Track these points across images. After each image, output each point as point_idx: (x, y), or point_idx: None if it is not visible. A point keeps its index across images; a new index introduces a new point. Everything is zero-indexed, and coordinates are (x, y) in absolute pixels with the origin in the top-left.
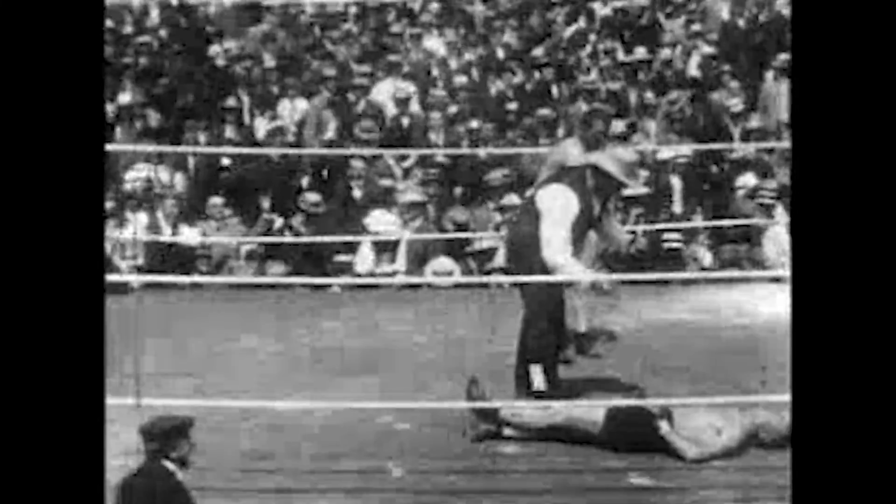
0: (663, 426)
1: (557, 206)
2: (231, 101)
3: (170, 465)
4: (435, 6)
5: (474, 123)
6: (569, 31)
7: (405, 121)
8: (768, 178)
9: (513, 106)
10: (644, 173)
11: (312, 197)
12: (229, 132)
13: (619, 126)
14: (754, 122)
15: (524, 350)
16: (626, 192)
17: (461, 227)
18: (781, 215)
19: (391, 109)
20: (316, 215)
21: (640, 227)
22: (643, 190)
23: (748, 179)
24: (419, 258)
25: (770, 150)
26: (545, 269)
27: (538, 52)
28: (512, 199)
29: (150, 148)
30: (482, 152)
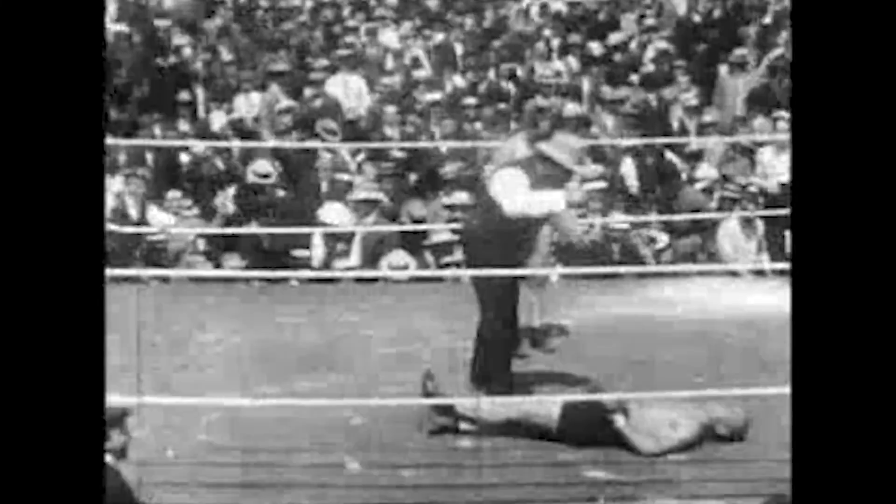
0: (619, 420)
1: (509, 183)
2: (185, 95)
3: (106, 457)
4: (391, 0)
5: (435, 96)
6: (524, 26)
7: (360, 115)
8: (729, 171)
9: (470, 101)
10: (599, 168)
11: (262, 167)
12: (183, 126)
13: (573, 119)
14: (709, 116)
15: (480, 344)
16: (585, 186)
17: (418, 222)
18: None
19: (346, 103)
20: (264, 187)
21: (596, 220)
22: (600, 185)
23: (705, 172)
24: (374, 254)
25: (732, 145)
26: (500, 262)
27: (495, 45)
28: (461, 196)
29: (142, 142)
30: (441, 146)
